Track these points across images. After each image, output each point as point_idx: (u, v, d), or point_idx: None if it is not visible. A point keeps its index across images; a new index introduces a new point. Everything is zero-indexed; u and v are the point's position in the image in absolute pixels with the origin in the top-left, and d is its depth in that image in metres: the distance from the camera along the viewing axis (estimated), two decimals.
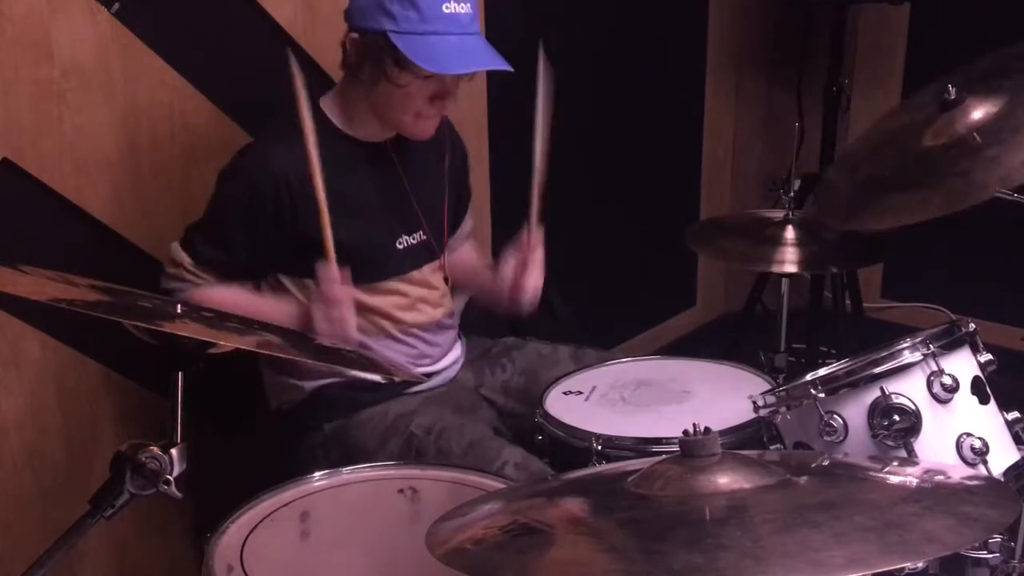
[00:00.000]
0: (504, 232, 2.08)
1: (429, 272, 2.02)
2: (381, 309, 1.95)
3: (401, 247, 1.96)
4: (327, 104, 1.92)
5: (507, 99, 2.69)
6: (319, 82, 2.18)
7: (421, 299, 2.01)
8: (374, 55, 1.78)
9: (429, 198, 2.01)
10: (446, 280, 2.08)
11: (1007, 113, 1.79)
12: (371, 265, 1.92)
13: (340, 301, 1.76)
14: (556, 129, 1.89)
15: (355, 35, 1.81)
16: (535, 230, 1.93)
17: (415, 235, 1.98)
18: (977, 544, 1.47)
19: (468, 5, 1.78)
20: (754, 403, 1.69)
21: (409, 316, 1.99)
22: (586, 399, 1.97)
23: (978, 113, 1.82)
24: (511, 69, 1.80)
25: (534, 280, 1.95)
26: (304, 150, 1.70)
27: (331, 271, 1.75)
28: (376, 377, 1.94)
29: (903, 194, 1.88)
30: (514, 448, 1.82)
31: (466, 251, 2.20)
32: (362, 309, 1.91)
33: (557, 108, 1.90)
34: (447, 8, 1.75)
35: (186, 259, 1.86)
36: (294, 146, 1.75)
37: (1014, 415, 1.64)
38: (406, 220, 1.97)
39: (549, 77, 1.86)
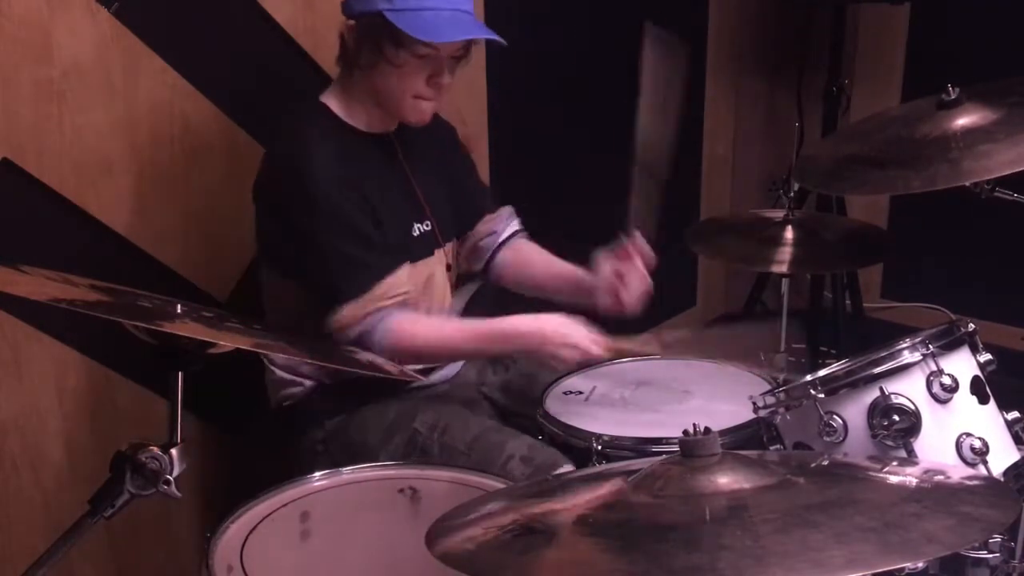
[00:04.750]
0: None
1: (435, 262, 2.02)
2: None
3: (416, 234, 1.97)
4: (328, 99, 1.94)
5: (507, 97, 2.70)
6: (319, 82, 2.18)
7: (426, 290, 2.00)
8: (372, 37, 1.81)
9: (432, 188, 2.02)
10: (449, 270, 2.07)
11: (1002, 122, 1.79)
12: (393, 251, 1.91)
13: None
14: (685, 119, 1.82)
15: (352, 22, 1.84)
16: (634, 236, 1.90)
17: (425, 223, 1.98)
18: (977, 544, 1.47)
19: None
20: (754, 403, 1.69)
21: (418, 303, 1.98)
22: (586, 399, 1.97)
23: (973, 118, 1.82)
24: (504, 42, 1.83)
25: (634, 286, 1.90)
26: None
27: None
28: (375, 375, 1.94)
29: (884, 170, 1.89)
30: (520, 439, 1.82)
31: (536, 251, 2.17)
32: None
33: (686, 91, 1.83)
34: None
35: (353, 306, 1.79)
36: (305, 151, 1.83)
37: (1014, 415, 1.64)
38: (416, 209, 1.98)
39: (663, 56, 1.83)
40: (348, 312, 1.79)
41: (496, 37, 1.84)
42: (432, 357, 1.96)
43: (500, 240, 2.16)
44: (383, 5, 1.78)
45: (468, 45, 1.88)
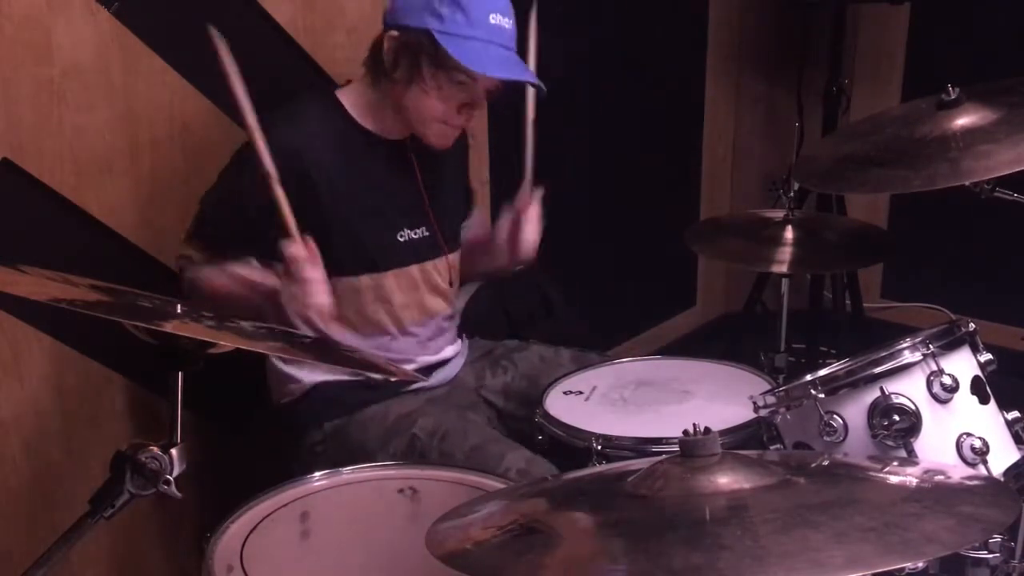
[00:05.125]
0: None
1: (433, 269, 2.02)
2: (380, 300, 1.96)
3: (402, 239, 1.96)
4: (344, 95, 1.94)
5: (507, 98, 2.69)
6: (319, 82, 2.18)
7: (422, 295, 2.01)
8: (412, 54, 1.80)
9: (443, 197, 2.02)
10: (451, 285, 2.07)
11: (1002, 122, 1.80)
12: (369, 254, 1.93)
13: (307, 280, 1.70)
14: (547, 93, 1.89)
15: (395, 33, 1.82)
16: (529, 188, 1.96)
17: (418, 230, 1.98)
18: (977, 544, 1.47)
19: (510, 22, 1.82)
20: (754, 403, 1.69)
21: (408, 310, 1.99)
22: (586, 399, 1.97)
23: (973, 118, 1.83)
24: (544, 89, 1.85)
25: (530, 235, 1.98)
26: (247, 130, 1.64)
27: (296, 249, 1.69)
28: (375, 376, 1.94)
29: (884, 170, 1.89)
30: (518, 452, 1.82)
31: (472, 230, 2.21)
32: (361, 300, 1.93)
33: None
34: (493, 19, 1.78)
35: (194, 253, 1.88)
36: (299, 129, 1.82)
37: (1014, 415, 1.64)
38: (412, 215, 1.97)
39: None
40: (187, 249, 1.89)
41: (541, 84, 1.84)
42: (220, 298, 1.89)
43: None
44: (433, 24, 1.75)
45: (503, 83, 1.86)
